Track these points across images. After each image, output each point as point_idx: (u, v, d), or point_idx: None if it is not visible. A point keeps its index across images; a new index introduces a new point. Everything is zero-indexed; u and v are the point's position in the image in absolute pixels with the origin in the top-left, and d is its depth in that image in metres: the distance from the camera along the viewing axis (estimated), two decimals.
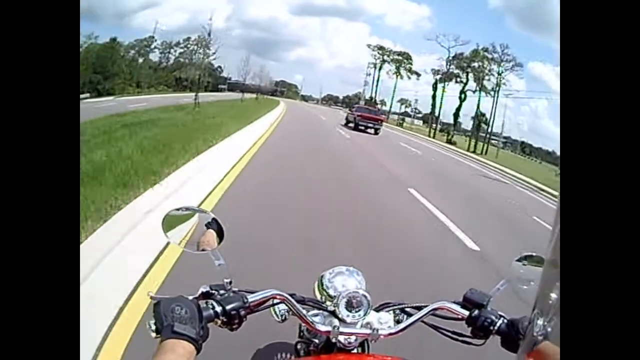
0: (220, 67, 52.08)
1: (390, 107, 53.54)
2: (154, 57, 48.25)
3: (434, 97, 44.51)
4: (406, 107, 56.27)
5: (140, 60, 46.20)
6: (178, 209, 0.98)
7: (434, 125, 43.63)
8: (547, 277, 0.53)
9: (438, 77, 43.84)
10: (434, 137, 38.82)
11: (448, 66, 43.06)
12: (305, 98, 65.84)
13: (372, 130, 19.44)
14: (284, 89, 62.62)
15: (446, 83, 43.38)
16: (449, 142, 37.34)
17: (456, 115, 42.97)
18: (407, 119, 55.01)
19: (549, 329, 0.52)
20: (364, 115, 20.50)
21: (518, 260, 1.00)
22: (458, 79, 42.76)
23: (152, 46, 47.50)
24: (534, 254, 0.99)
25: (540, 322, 0.53)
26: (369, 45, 52.14)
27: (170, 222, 0.96)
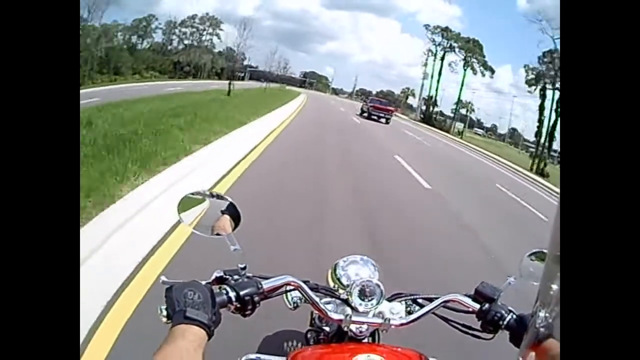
0: (244, 54, 48.65)
1: (456, 110, 44.02)
2: (158, 38, 42.73)
3: (541, 108, 29.45)
4: (467, 111, 48.97)
5: (137, 43, 39.93)
6: (194, 193, 0.97)
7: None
8: (549, 269, 0.53)
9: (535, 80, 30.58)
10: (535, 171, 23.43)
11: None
12: (336, 91, 62.69)
13: (383, 120, 22.68)
14: (313, 80, 60.12)
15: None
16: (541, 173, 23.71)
17: (551, 134, 27.25)
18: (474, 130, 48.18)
19: (551, 322, 0.52)
20: (376, 106, 23.30)
21: (529, 257, 1.00)
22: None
23: (154, 26, 41.87)
24: (545, 250, 0.98)
25: (542, 314, 0.53)
26: (427, 27, 44.73)
27: (185, 204, 0.96)
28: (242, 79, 44.82)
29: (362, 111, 24.23)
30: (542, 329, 0.53)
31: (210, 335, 0.71)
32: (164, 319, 0.74)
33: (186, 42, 42.61)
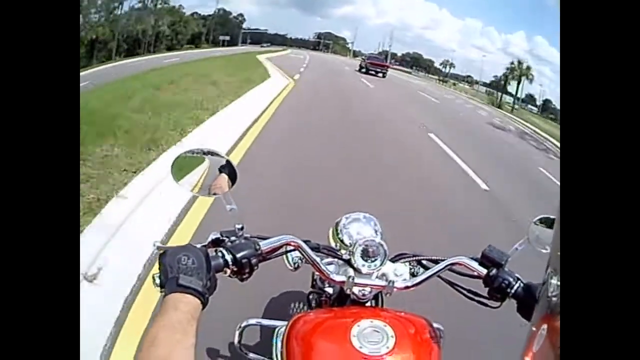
0: (241, 15, 43.34)
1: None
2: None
3: None
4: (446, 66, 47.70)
5: None
6: (189, 151, 0.93)
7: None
8: (557, 237, 0.50)
9: None
10: None
11: None
12: (355, 54, 52.65)
13: (381, 75, 25.17)
14: (329, 42, 51.61)
15: None
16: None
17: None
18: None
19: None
20: (373, 62, 26.48)
21: (536, 222, 0.97)
22: None
23: None
24: (552, 216, 0.94)
25: (554, 281, 0.50)
26: None
27: (181, 164, 0.92)
28: (229, 44, 39.00)
29: (361, 67, 26.71)
30: (554, 299, 0.50)
31: (204, 303, 0.68)
32: (158, 288, 0.70)
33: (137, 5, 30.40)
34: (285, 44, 45.21)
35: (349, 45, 53.27)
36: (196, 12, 37.30)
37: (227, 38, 38.21)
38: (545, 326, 0.52)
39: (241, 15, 43.31)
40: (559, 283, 0.49)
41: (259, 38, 44.05)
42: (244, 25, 43.55)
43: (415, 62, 47.79)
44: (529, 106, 40.42)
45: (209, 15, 39.89)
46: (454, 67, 45.52)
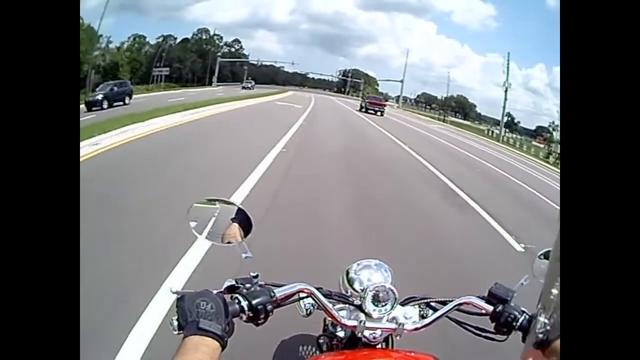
0: (241, 47, 36.73)
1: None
2: None
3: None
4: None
5: None
6: (203, 201, 0.96)
7: None
8: (551, 273, 0.53)
9: None
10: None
11: None
12: (385, 98, 43.23)
13: (379, 113, 27.77)
14: (358, 81, 41.65)
15: None
16: None
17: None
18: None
19: (549, 328, 0.52)
20: (372, 102, 29.25)
21: (541, 256, 1.00)
22: None
23: None
24: None
25: (542, 318, 0.53)
26: None
27: (195, 213, 0.95)
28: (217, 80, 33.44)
29: (361, 107, 29.47)
30: (540, 335, 0.53)
31: (223, 346, 0.70)
32: (176, 330, 0.72)
33: None
34: (305, 84, 39.68)
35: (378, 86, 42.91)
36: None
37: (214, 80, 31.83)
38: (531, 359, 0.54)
39: (241, 47, 36.99)
40: (546, 320, 0.52)
41: (272, 76, 38.06)
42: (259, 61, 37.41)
43: (460, 108, 40.74)
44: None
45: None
46: (514, 122, 36.81)
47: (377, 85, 42.31)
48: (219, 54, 34.48)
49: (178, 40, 31.21)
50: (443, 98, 40.82)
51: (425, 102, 42.41)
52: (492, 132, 32.74)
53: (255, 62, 36.84)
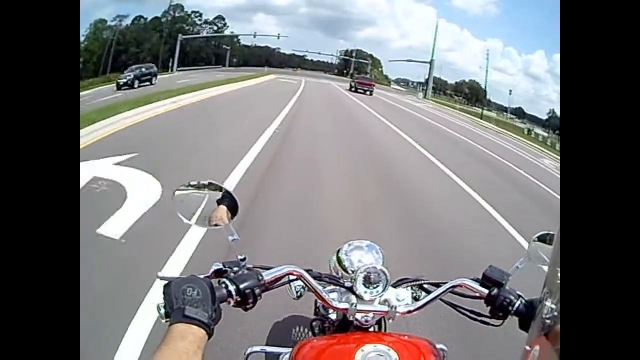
0: (225, 25, 30.76)
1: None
2: None
3: None
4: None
5: None
6: (189, 184, 0.94)
7: None
8: (557, 257, 0.52)
9: None
10: None
11: None
12: (398, 82, 38.78)
13: (368, 93, 27.66)
14: (364, 62, 35.80)
15: None
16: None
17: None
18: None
19: (556, 314, 0.50)
20: (361, 82, 29.51)
21: (537, 240, 0.98)
22: None
23: None
24: (552, 232, 0.95)
25: (549, 303, 0.51)
26: None
27: (181, 197, 0.93)
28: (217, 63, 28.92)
29: (351, 87, 29.39)
30: (548, 321, 0.51)
31: (210, 334, 0.69)
32: (163, 318, 0.71)
33: None
34: (303, 67, 35.56)
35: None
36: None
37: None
38: (538, 347, 0.53)
39: (221, 18, 30.85)
40: (553, 306, 0.50)
41: (267, 57, 33.24)
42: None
43: (473, 94, 36.53)
44: None
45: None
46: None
47: (382, 67, 37.85)
48: (199, 34, 29.04)
49: (149, 20, 25.00)
50: (455, 84, 37.22)
51: (435, 88, 37.37)
52: (532, 132, 27.57)
53: (238, 40, 31.68)
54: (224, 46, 31.10)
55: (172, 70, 24.71)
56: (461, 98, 36.83)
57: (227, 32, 31.15)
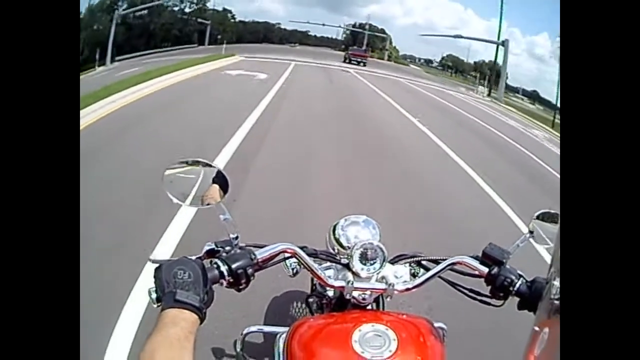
0: None
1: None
2: None
3: None
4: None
5: None
6: (180, 162, 0.92)
7: None
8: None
9: None
10: None
11: None
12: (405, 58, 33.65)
13: (362, 64, 27.13)
14: (383, 35, 32.09)
15: None
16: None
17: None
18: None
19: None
20: (355, 54, 29.17)
21: (537, 218, 0.96)
22: None
23: None
24: (552, 211, 0.95)
25: (557, 283, 0.50)
26: None
27: (171, 177, 0.91)
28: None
29: (345, 58, 29.15)
30: (556, 302, 0.50)
31: (202, 318, 0.68)
32: (154, 303, 0.70)
33: None
34: (306, 43, 31.73)
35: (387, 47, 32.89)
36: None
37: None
38: (547, 329, 0.51)
39: None
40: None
41: (265, 33, 29.58)
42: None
43: (456, 67, 33.08)
44: None
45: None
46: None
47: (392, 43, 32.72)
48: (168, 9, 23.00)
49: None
50: (474, 63, 31.83)
51: (451, 67, 33.74)
52: None
53: (232, 15, 26.85)
54: (202, 20, 25.21)
55: (107, 62, 16.47)
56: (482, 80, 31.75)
57: (210, 7, 25.93)
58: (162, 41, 22.12)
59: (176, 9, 24.27)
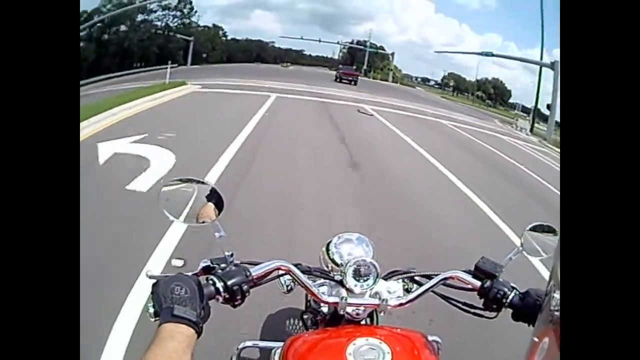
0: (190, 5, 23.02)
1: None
2: None
3: None
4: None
5: None
6: (175, 181, 0.93)
7: None
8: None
9: None
10: None
11: None
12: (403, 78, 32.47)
13: (353, 83, 27.21)
14: (386, 52, 30.33)
15: None
16: None
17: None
18: None
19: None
20: (345, 72, 29.07)
21: (530, 230, 0.97)
22: None
23: None
24: (545, 223, 0.96)
25: (557, 295, 0.50)
26: None
27: (167, 195, 0.91)
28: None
29: (336, 77, 29.08)
30: (556, 313, 0.50)
31: (199, 333, 0.69)
32: (152, 318, 0.71)
33: None
34: (300, 62, 30.86)
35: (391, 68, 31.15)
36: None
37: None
38: (546, 339, 0.52)
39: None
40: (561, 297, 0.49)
41: (258, 52, 27.67)
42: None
43: (498, 95, 32.37)
44: None
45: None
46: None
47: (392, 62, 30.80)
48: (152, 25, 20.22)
49: None
50: (477, 82, 30.96)
51: (454, 87, 32.90)
52: None
53: (224, 33, 24.47)
54: (182, 37, 22.59)
55: None
56: (485, 100, 31.27)
57: (201, 23, 24.32)
58: (140, 60, 19.91)
59: (158, 23, 21.81)
